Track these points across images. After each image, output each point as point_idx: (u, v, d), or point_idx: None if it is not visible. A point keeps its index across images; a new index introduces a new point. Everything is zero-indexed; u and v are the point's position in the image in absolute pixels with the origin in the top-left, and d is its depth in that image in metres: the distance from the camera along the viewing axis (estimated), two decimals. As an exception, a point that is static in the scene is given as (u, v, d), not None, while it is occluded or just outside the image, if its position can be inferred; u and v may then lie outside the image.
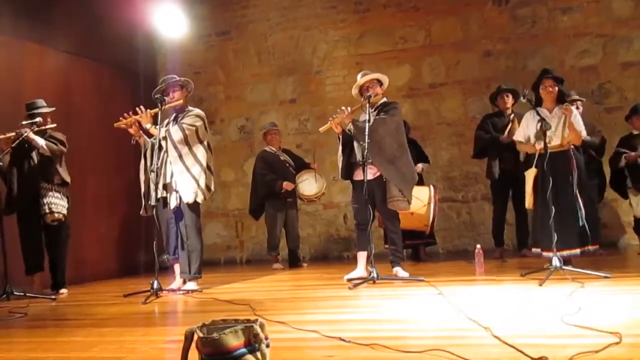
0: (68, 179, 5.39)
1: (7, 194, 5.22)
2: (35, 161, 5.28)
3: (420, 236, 6.39)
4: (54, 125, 5.39)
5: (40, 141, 5.21)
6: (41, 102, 5.42)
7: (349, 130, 4.93)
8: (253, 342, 1.82)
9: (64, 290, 5.43)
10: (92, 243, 6.61)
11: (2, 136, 5.04)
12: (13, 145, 5.01)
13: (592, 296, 3.40)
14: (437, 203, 6.14)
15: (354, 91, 5.12)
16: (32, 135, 5.14)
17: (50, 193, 5.22)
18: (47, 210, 5.18)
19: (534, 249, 4.87)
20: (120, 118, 4.96)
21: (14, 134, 5.06)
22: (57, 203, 5.23)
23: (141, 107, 4.94)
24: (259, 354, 1.83)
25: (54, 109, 5.45)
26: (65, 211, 5.29)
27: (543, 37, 7.57)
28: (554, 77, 4.82)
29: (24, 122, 5.11)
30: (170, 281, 5.11)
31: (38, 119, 5.13)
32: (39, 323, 3.99)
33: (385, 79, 5.11)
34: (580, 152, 4.93)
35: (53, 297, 4.99)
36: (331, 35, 8.36)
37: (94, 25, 7.06)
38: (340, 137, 5.04)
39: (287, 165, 7.07)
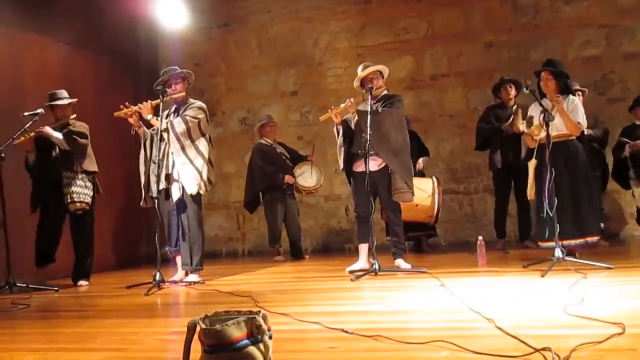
0: (93, 168, 5.36)
1: (33, 191, 5.24)
2: (57, 151, 5.26)
3: (423, 228, 6.39)
4: (74, 115, 5.39)
5: (57, 135, 5.19)
6: (62, 92, 5.41)
7: (349, 121, 4.93)
8: (256, 334, 1.81)
9: (82, 282, 5.38)
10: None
11: (22, 138, 5.05)
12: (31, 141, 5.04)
13: (594, 287, 3.40)
14: (441, 194, 6.15)
15: (356, 84, 5.10)
16: (49, 131, 5.13)
17: (74, 182, 5.19)
18: (69, 200, 5.15)
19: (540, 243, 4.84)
20: (121, 106, 4.95)
21: (33, 133, 5.08)
22: (79, 192, 5.20)
23: (144, 102, 4.93)
24: (261, 346, 1.82)
25: (74, 100, 5.44)
26: (89, 199, 5.26)
27: (545, 27, 7.53)
28: (552, 70, 4.78)
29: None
30: (172, 273, 5.11)
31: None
32: (42, 314, 4.01)
33: (386, 71, 5.10)
34: (584, 143, 4.91)
35: (56, 288, 4.99)
36: (333, 27, 8.32)
37: (95, 16, 7.03)
38: (340, 127, 5.03)
39: (284, 157, 7.06)
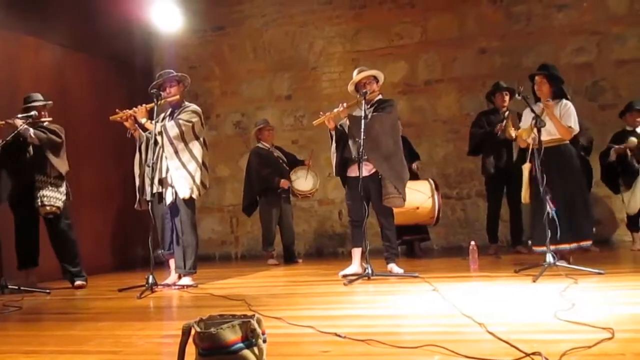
0: (63, 170, 5.30)
1: None
2: (31, 154, 5.23)
3: (415, 231, 6.43)
4: (50, 119, 5.36)
5: (25, 127, 5.07)
6: (37, 95, 5.39)
7: (340, 125, 4.95)
8: (250, 337, 1.83)
9: (79, 282, 5.36)
10: (87, 237, 6.57)
11: None
12: (8, 139, 4.95)
13: (585, 292, 3.43)
14: (440, 195, 6.22)
15: (350, 87, 5.13)
16: (17, 122, 5.04)
17: (46, 185, 5.17)
18: (40, 203, 5.12)
19: (529, 242, 4.89)
20: (117, 110, 4.96)
21: (3, 122, 5.01)
22: (50, 196, 5.16)
23: (139, 106, 4.94)
24: (256, 349, 1.84)
25: (50, 102, 5.41)
26: (60, 204, 5.20)
27: (538, 34, 7.58)
28: (544, 74, 4.82)
29: (19, 116, 5.08)
30: (165, 276, 5.12)
31: (33, 112, 5.10)
32: (34, 317, 4.01)
33: (381, 76, 5.12)
34: (577, 148, 4.95)
35: (48, 291, 4.98)
36: (327, 32, 8.35)
37: (90, 18, 7.03)
38: (333, 133, 5.06)
39: (281, 161, 7.08)
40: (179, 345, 1.88)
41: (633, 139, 5.95)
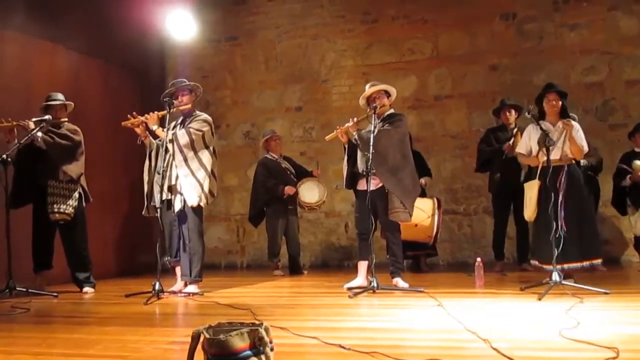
0: (75, 174, 5.27)
1: (13, 189, 5.17)
2: (44, 158, 5.24)
3: (422, 247, 6.42)
4: (65, 119, 5.37)
5: (35, 130, 5.06)
6: (58, 95, 5.39)
7: (354, 139, 4.97)
8: (258, 345, 1.85)
9: (87, 289, 5.38)
10: (95, 242, 6.60)
11: (1, 124, 4.98)
12: (22, 142, 4.98)
13: (591, 311, 3.43)
14: (441, 215, 6.18)
15: (362, 101, 5.15)
16: (29, 124, 5.04)
17: (58, 191, 5.18)
18: (50, 210, 5.14)
19: (532, 261, 4.88)
20: (128, 116, 5.02)
21: (10, 123, 5.01)
22: (61, 202, 5.16)
23: (150, 113, 4.99)
24: (263, 357, 1.86)
25: (70, 103, 5.43)
26: (70, 210, 5.20)
27: (549, 52, 7.61)
28: (558, 91, 4.86)
29: (34, 119, 5.10)
30: (171, 283, 5.14)
31: (48, 117, 5.13)
32: (41, 319, 4.04)
33: (393, 91, 5.13)
34: (581, 167, 4.97)
35: (55, 294, 5.01)
36: (339, 45, 8.42)
37: (105, 26, 7.12)
38: (346, 146, 5.08)
39: (288, 172, 7.10)
40: (188, 351, 1.90)
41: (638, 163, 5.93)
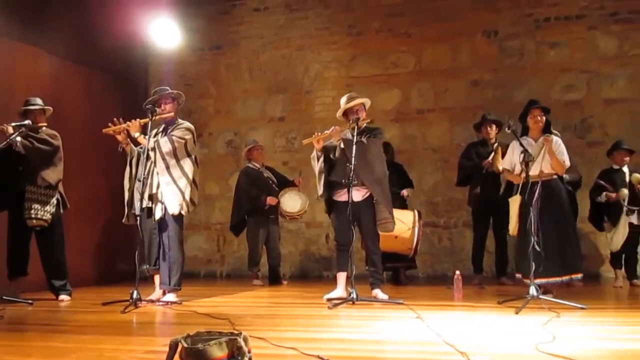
0: (53, 180, 5.21)
1: None
2: (22, 163, 5.18)
3: (402, 259, 6.44)
4: (45, 124, 5.32)
5: (15, 138, 4.99)
6: (36, 100, 5.33)
7: (327, 147, 5.01)
8: (236, 355, 1.85)
9: (63, 297, 5.32)
10: (73, 249, 6.52)
11: None
12: (0, 147, 4.92)
13: (566, 326, 3.47)
14: (422, 227, 6.22)
15: (339, 114, 5.19)
16: (7, 128, 4.99)
17: (35, 197, 5.12)
18: (27, 215, 5.07)
19: (517, 275, 4.94)
20: (109, 124, 4.98)
21: None
22: (39, 208, 5.10)
23: (132, 120, 4.97)
24: (241, 367, 1.86)
25: (49, 108, 5.37)
26: (48, 216, 5.14)
27: (530, 69, 7.73)
28: (542, 107, 4.95)
29: (13, 124, 5.05)
30: (150, 292, 5.09)
31: (27, 121, 5.07)
32: (16, 327, 3.97)
33: (368, 103, 5.22)
34: (564, 182, 5.06)
35: (30, 301, 4.93)
36: (323, 56, 8.46)
37: (88, 31, 7.07)
38: (319, 154, 5.10)
39: (271, 182, 7.10)
40: (165, 360, 1.89)
41: (624, 191, 6.01)
